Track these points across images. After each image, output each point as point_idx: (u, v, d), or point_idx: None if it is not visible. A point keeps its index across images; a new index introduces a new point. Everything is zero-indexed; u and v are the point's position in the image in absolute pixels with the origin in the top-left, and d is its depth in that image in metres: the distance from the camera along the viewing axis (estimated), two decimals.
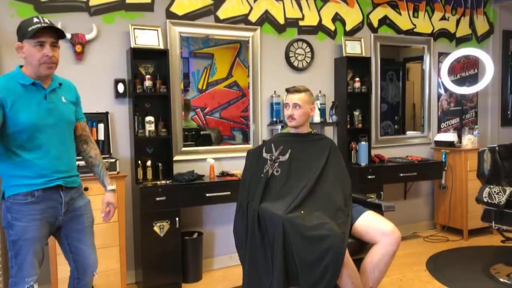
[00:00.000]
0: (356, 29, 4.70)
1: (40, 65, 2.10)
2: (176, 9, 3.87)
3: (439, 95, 5.28)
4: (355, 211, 2.64)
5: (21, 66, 2.19)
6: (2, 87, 2.06)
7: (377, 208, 2.72)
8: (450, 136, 4.96)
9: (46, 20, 2.11)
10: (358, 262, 2.50)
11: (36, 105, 2.11)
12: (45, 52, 2.09)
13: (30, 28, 2.05)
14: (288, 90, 2.87)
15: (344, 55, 4.45)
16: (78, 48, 3.49)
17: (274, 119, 4.20)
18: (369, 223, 2.54)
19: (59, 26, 3.41)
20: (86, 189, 3.12)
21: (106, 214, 2.41)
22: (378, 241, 2.48)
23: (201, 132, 4.13)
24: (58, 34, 2.15)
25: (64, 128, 2.23)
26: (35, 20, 2.09)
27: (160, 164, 3.70)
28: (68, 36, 3.46)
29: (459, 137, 5.01)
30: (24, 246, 2.10)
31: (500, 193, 3.53)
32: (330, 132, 4.50)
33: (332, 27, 4.56)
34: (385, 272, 2.53)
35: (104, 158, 3.26)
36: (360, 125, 4.50)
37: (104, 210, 2.41)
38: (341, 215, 2.50)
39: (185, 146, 3.95)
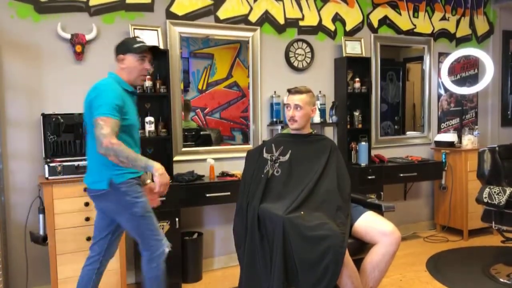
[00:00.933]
0: (356, 29, 4.70)
1: (138, 77, 2.54)
2: (176, 9, 3.87)
3: (439, 95, 5.28)
4: (355, 211, 2.64)
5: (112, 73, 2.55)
6: (120, 94, 2.41)
7: (377, 209, 2.72)
8: (450, 137, 4.96)
9: (144, 40, 2.58)
10: (358, 262, 2.50)
11: (134, 108, 2.54)
12: (145, 66, 2.53)
13: (137, 45, 2.49)
14: (289, 91, 2.84)
15: (344, 55, 4.45)
16: (78, 48, 3.49)
17: (274, 119, 4.20)
18: (369, 223, 2.54)
19: (58, 27, 3.43)
20: (86, 189, 3.12)
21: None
22: (378, 241, 2.48)
23: (201, 133, 4.13)
24: (154, 52, 2.61)
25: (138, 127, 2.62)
26: (138, 39, 2.58)
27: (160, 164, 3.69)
28: (68, 36, 3.46)
29: (459, 137, 5.01)
30: (151, 216, 2.49)
31: (500, 194, 3.52)
32: (330, 132, 4.50)
33: (332, 27, 4.56)
34: (385, 272, 2.53)
35: None
36: (360, 125, 4.50)
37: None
38: (341, 215, 2.49)
39: (185, 146, 3.95)
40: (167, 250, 2.54)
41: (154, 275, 2.54)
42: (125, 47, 2.52)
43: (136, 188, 2.47)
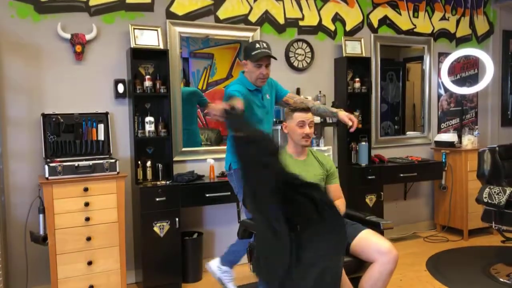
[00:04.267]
0: (356, 29, 4.70)
1: (256, 80, 2.89)
2: (176, 9, 3.87)
3: (439, 95, 5.28)
4: (353, 229, 2.62)
5: (243, 72, 2.95)
6: (240, 90, 2.79)
7: (376, 227, 2.71)
8: (450, 137, 4.96)
9: (265, 45, 2.86)
10: (355, 281, 2.49)
11: (258, 104, 2.92)
12: (261, 71, 2.85)
13: (254, 53, 2.82)
14: (299, 109, 2.77)
15: (344, 55, 4.45)
16: (78, 48, 3.49)
17: (274, 120, 4.19)
18: (366, 241, 2.52)
19: (58, 27, 3.43)
20: (86, 189, 3.12)
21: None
22: (375, 260, 2.46)
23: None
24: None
25: (269, 119, 3.03)
26: (257, 45, 2.84)
27: (160, 164, 3.70)
28: (68, 36, 3.46)
29: (459, 137, 5.01)
30: None
31: (500, 194, 3.53)
32: (330, 133, 4.50)
33: (332, 27, 4.56)
34: None
35: (104, 158, 3.29)
36: (360, 126, 4.49)
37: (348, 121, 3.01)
38: None
39: (185, 146, 3.95)
40: None
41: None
42: (247, 53, 2.89)
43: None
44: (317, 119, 4.25)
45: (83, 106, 3.54)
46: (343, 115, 3.04)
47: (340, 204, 2.75)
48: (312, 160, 2.87)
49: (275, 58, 2.89)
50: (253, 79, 2.89)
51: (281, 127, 3.92)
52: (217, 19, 4.03)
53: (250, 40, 4.15)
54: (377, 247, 2.46)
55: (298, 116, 2.75)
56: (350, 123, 2.96)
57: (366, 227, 2.65)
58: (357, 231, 2.58)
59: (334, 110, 3.16)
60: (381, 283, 2.45)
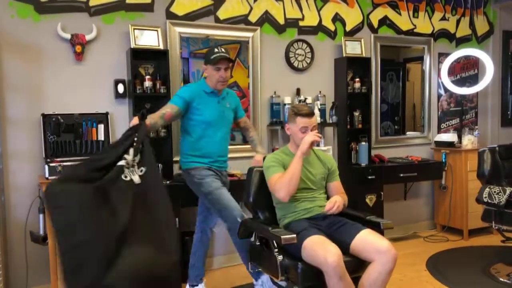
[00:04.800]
0: (356, 30, 4.70)
1: (217, 83, 3.06)
2: (176, 9, 3.88)
3: (439, 96, 5.28)
4: (352, 229, 2.61)
5: (205, 78, 3.16)
6: (192, 91, 3.09)
7: (376, 226, 2.72)
8: (450, 137, 4.96)
9: (223, 50, 3.05)
10: (355, 281, 2.49)
11: (212, 106, 3.10)
12: (221, 75, 3.04)
13: (213, 57, 3.00)
14: (302, 114, 2.73)
15: (344, 55, 4.45)
16: (78, 48, 3.49)
17: (274, 120, 4.20)
18: (365, 241, 2.51)
19: (58, 27, 3.43)
20: None
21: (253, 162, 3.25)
22: (374, 260, 2.46)
23: None
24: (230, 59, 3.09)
25: (225, 123, 3.20)
26: (215, 50, 3.04)
27: (160, 164, 3.69)
28: (68, 36, 3.46)
29: (459, 137, 5.01)
30: (218, 193, 3.09)
31: (500, 193, 3.53)
32: (330, 133, 4.50)
33: (332, 28, 4.57)
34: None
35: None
36: (360, 126, 4.50)
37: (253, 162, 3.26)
38: None
39: None
40: (239, 219, 2.92)
41: (245, 248, 3.01)
42: (206, 58, 3.07)
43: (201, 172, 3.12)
44: (318, 119, 4.25)
45: (83, 106, 3.54)
46: (254, 160, 3.30)
47: (341, 198, 2.78)
48: (314, 159, 2.88)
49: (233, 62, 3.18)
50: (214, 82, 3.06)
51: (280, 127, 3.96)
52: (217, 19, 4.03)
53: (250, 41, 4.15)
54: (376, 247, 2.46)
55: (301, 121, 2.73)
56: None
57: (365, 226, 2.65)
58: (357, 231, 2.58)
59: (259, 149, 3.39)
60: (381, 282, 2.45)
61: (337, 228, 2.67)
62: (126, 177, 2.29)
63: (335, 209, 2.68)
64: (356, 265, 2.53)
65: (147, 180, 2.32)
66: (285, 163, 2.76)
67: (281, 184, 2.65)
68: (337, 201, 2.71)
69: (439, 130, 5.27)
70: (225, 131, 3.23)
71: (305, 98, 4.24)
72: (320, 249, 2.37)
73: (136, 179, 2.30)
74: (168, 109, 3.01)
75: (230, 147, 4.12)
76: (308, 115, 2.73)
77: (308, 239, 2.46)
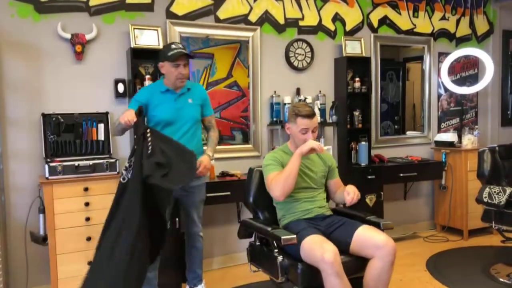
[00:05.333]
0: (356, 29, 4.70)
1: (175, 80, 2.97)
2: (176, 9, 3.87)
3: (439, 95, 5.28)
4: (350, 228, 2.61)
5: (163, 77, 3.06)
6: (147, 92, 3.06)
7: (376, 226, 2.71)
8: (450, 136, 4.96)
9: (181, 46, 2.99)
10: (355, 281, 2.48)
11: (167, 105, 3.00)
12: (179, 71, 2.94)
13: (170, 53, 2.91)
14: (303, 115, 2.68)
15: (344, 55, 4.45)
16: (78, 48, 3.49)
17: (274, 119, 4.20)
18: (363, 237, 2.51)
19: (58, 26, 3.43)
20: (86, 189, 3.12)
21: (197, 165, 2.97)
22: (374, 255, 2.46)
23: None
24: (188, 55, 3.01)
25: (186, 119, 3.03)
26: (173, 46, 2.96)
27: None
28: (68, 36, 3.46)
29: (459, 137, 5.01)
30: None
31: (500, 193, 3.53)
32: (330, 132, 4.50)
33: (332, 27, 4.56)
34: (388, 283, 2.49)
35: (104, 158, 3.29)
36: (360, 125, 4.50)
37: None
38: None
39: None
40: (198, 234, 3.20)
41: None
42: (163, 55, 2.98)
43: None
44: (318, 119, 4.25)
45: (83, 106, 3.54)
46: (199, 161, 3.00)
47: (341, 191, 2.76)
48: (314, 157, 2.88)
49: (192, 57, 3.05)
50: (172, 80, 2.98)
51: (281, 126, 3.94)
52: (217, 19, 4.03)
53: (250, 40, 4.15)
54: (374, 242, 2.46)
55: (302, 123, 2.69)
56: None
57: (362, 223, 2.65)
58: (354, 229, 2.58)
59: (207, 151, 3.16)
60: (385, 276, 2.45)
61: (336, 228, 2.67)
62: (124, 179, 2.46)
63: (355, 198, 2.62)
64: (356, 265, 2.53)
65: (130, 182, 2.44)
66: (284, 162, 2.76)
67: (276, 183, 2.64)
68: (354, 190, 2.63)
69: (439, 130, 5.27)
70: (188, 128, 3.06)
71: (305, 98, 4.24)
72: (318, 247, 2.37)
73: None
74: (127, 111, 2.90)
75: (230, 147, 4.17)
76: (309, 116, 2.68)
77: (306, 239, 2.46)
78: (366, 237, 2.51)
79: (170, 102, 3.02)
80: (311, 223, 2.69)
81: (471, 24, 5.40)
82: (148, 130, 2.57)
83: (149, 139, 2.50)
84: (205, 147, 3.22)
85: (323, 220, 2.75)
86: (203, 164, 3.00)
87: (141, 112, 2.69)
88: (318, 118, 4.22)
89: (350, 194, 2.61)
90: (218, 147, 4.08)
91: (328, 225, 2.71)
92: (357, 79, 4.48)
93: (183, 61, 2.94)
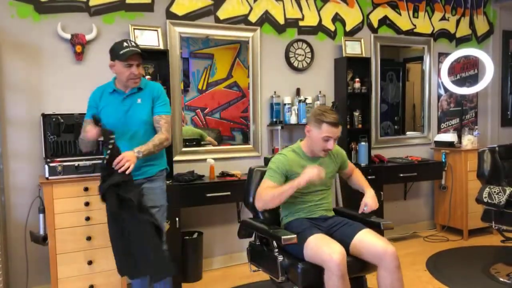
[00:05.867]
0: (356, 30, 4.70)
1: (128, 80, 2.69)
2: (176, 9, 3.88)
3: (439, 96, 5.28)
4: (351, 229, 2.60)
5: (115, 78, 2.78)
6: (94, 95, 2.82)
7: (376, 227, 2.72)
8: (450, 137, 4.96)
9: (133, 44, 2.70)
10: (355, 281, 2.50)
11: (113, 106, 2.72)
12: (132, 71, 2.66)
13: (122, 52, 2.62)
14: (330, 123, 2.56)
15: (344, 55, 4.46)
16: (78, 48, 3.49)
17: (274, 120, 4.20)
18: (363, 244, 2.50)
19: (58, 27, 3.43)
20: (86, 189, 3.12)
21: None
22: (377, 265, 2.44)
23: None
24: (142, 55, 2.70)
25: (133, 121, 2.71)
26: (125, 44, 2.66)
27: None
28: (68, 36, 3.46)
29: (459, 137, 5.01)
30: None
31: (500, 193, 3.53)
32: None
33: (332, 28, 4.57)
34: (403, 285, 2.48)
35: (104, 158, 3.25)
36: (360, 126, 4.50)
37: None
38: None
39: (185, 146, 3.95)
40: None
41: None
42: (114, 53, 2.69)
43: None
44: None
45: (83, 106, 3.50)
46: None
47: (372, 198, 2.74)
48: (325, 159, 2.78)
49: (145, 57, 2.69)
50: (124, 80, 2.69)
51: (281, 127, 3.93)
52: (217, 19, 4.03)
53: (250, 41, 4.15)
54: (374, 250, 2.44)
55: (327, 130, 2.57)
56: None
57: (364, 226, 2.64)
58: (355, 232, 2.57)
59: (136, 149, 2.59)
60: (397, 283, 2.43)
61: (338, 229, 2.67)
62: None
63: (374, 206, 2.67)
64: (357, 266, 2.53)
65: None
66: (292, 166, 2.67)
67: (263, 196, 2.59)
68: (372, 204, 2.68)
69: (439, 130, 5.27)
70: (136, 132, 2.71)
71: (305, 98, 4.24)
72: (325, 246, 2.36)
73: None
74: (87, 126, 2.70)
75: (230, 147, 4.17)
76: (336, 124, 2.57)
77: (312, 237, 2.45)
78: (365, 243, 2.49)
79: (116, 103, 2.73)
80: (313, 223, 2.69)
81: (471, 24, 5.41)
82: (112, 137, 2.50)
83: (110, 146, 2.48)
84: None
85: (325, 221, 2.74)
86: (123, 156, 2.50)
87: (97, 121, 2.56)
88: None
89: (367, 206, 2.68)
90: (218, 147, 4.12)
91: (330, 226, 2.70)
92: (357, 79, 4.48)
93: (136, 60, 2.66)
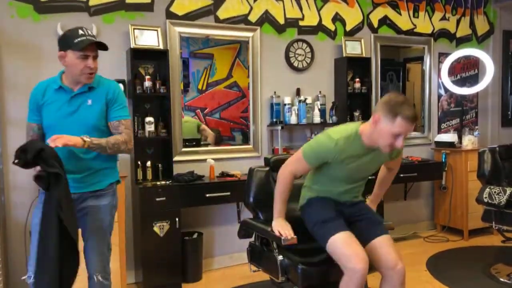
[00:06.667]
0: (356, 29, 4.69)
1: (81, 75, 2.26)
2: (176, 9, 3.87)
3: (439, 96, 5.28)
4: (372, 231, 2.46)
5: (62, 72, 2.37)
6: (35, 93, 2.40)
7: None
8: (450, 137, 4.95)
9: (90, 32, 2.29)
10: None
11: (56, 106, 2.29)
12: (88, 64, 2.24)
13: (76, 41, 2.21)
14: (407, 118, 2.20)
15: (344, 55, 4.45)
16: None
17: (274, 120, 4.19)
18: (378, 251, 2.38)
19: (58, 27, 3.42)
20: None
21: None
22: (383, 275, 2.39)
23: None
24: (100, 46, 2.31)
25: (78, 124, 2.28)
26: (81, 32, 2.24)
27: (160, 164, 3.70)
28: None
29: (460, 137, 5.01)
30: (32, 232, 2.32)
31: (500, 194, 3.52)
32: None
33: (332, 27, 4.56)
34: None
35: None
36: None
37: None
38: None
39: (185, 146, 3.95)
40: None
41: None
42: (65, 42, 2.27)
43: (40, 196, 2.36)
44: (318, 119, 4.25)
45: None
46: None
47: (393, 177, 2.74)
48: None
49: (105, 48, 2.31)
50: (77, 74, 2.26)
51: (281, 127, 3.91)
52: (217, 19, 4.03)
53: (250, 41, 4.14)
54: (384, 262, 2.37)
55: (402, 125, 2.21)
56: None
57: (385, 230, 2.49)
58: (375, 235, 2.42)
59: (86, 138, 2.22)
60: None
61: (358, 221, 2.52)
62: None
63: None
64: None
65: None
66: (339, 155, 2.33)
67: (284, 176, 2.46)
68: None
69: (439, 130, 5.27)
70: (73, 132, 2.22)
71: (305, 98, 4.24)
72: (351, 251, 2.25)
73: None
74: (30, 131, 2.39)
75: (230, 147, 4.16)
76: (413, 120, 2.23)
77: (338, 235, 2.31)
78: (380, 251, 2.39)
79: (60, 103, 2.30)
80: (337, 206, 2.52)
81: (471, 24, 5.40)
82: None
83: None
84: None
85: (349, 207, 2.57)
86: (64, 135, 2.15)
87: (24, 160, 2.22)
88: (318, 119, 4.25)
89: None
90: (218, 147, 4.11)
91: (352, 214, 2.54)
92: (357, 79, 4.48)
93: (93, 51, 2.27)
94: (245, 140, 4.26)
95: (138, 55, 3.61)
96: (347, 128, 2.42)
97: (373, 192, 2.84)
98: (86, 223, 2.34)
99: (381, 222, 2.56)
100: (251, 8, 4.16)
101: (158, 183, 3.55)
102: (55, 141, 2.10)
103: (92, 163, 2.33)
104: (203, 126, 4.12)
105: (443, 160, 4.89)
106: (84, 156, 2.30)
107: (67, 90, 2.31)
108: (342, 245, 2.29)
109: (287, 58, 4.34)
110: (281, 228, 2.42)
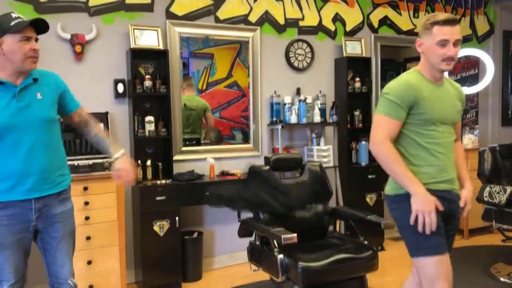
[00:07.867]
0: (356, 30, 4.70)
1: (25, 60, 2.01)
2: (176, 9, 3.88)
3: None
4: (449, 241, 2.28)
5: None
6: None
7: (377, 226, 2.72)
8: None
9: (23, 17, 2.05)
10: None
11: (3, 105, 2.01)
12: (32, 46, 2.02)
13: (13, 23, 1.97)
14: (442, 22, 2.01)
15: (344, 55, 4.45)
16: (78, 48, 3.49)
17: (274, 119, 4.19)
18: (424, 271, 2.16)
19: (58, 27, 3.43)
20: (86, 188, 3.12)
21: (118, 177, 2.19)
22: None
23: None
24: (39, 29, 2.08)
25: (38, 128, 2.08)
26: (14, 15, 2.01)
27: (160, 163, 3.70)
28: (68, 36, 3.47)
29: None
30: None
31: (500, 193, 3.52)
32: (330, 132, 4.50)
33: (332, 27, 4.57)
34: None
35: (103, 158, 3.27)
36: (360, 125, 4.50)
37: (116, 177, 2.20)
38: None
39: (185, 146, 3.95)
40: None
41: None
42: None
43: None
44: (318, 119, 4.25)
45: (84, 106, 3.53)
46: (116, 166, 2.22)
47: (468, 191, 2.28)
48: (448, 88, 2.21)
49: (46, 28, 2.09)
50: (19, 61, 2.00)
51: (281, 126, 3.92)
52: (217, 19, 4.03)
53: (250, 41, 4.15)
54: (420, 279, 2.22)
55: (440, 32, 2.01)
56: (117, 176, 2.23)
57: (451, 247, 2.30)
58: (440, 250, 2.13)
59: (115, 153, 2.27)
60: None
61: (446, 231, 2.20)
62: None
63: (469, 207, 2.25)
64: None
65: None
66: (418, 89, 2.06)
67: (382, 149, 2.06)
68: (468, 203, 2.26)
69: None
70: (39, 136, 2.07)
71: (305, 98, 4.24)
72: (443, 280, 2.07)
73: None
74: None
75: (230, 146, 4.16)
76: (449, 22, 2.01)
77: (435, 258, 2.08)
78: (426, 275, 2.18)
79: (6, 100, 2.01)
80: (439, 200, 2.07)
81: (472, 24, 5.40)
82: None
83: None
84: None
85: (447, 203, 2.13)
86: (127, 167, 2.17)
87: None
88: (318, 118, 4.24)
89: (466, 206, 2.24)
90: (218, 146, 4.12)
91: (446, 215, 2.14)
92: (357, 79, 4.48)
93: (33, 33, 2.04)
94: (245, 139, 4.26)
95: (138, 55, 3.62)
96: (406, 73, 2.21)
97: (460, 176, 2.32)
98: (58, 230, 2.21)
99: (451, 242, 2.34)
100: (251, 9, 4.16)
101: (158, 182, 3.55)
102: (130, 182, 2.17)
103: (59, 159, 2.21)
104: (209, 113, 4.11)
105: None
106: (54, 153, 2.17)
107: (8, 85, 2.02)
108: (438, 269, 2.08)
109: (287, 58, 4.34)
110: (431, 206, 2.01)
